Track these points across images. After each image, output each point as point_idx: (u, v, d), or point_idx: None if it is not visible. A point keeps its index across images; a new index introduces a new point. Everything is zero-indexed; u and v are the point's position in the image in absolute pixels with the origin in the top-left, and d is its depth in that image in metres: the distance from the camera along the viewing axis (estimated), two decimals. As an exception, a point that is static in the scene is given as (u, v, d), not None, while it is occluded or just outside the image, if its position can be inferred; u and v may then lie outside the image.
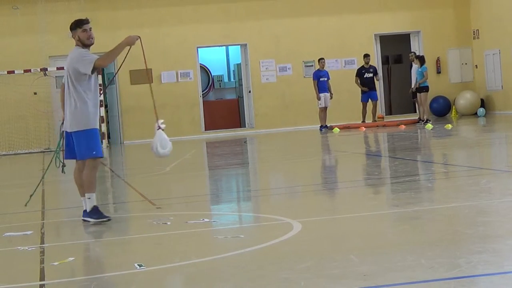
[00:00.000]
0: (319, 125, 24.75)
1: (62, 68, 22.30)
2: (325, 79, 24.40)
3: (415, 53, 25.63)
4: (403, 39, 28.05)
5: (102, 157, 8.51)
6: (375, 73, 25.19)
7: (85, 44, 8.49)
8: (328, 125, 24.52)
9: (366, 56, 25.19)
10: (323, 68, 24.57)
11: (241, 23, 26.76)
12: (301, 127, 26.63)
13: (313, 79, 24.53)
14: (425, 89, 23.96)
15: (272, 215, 8.09)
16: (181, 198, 10.75)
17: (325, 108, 24.49)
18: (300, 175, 12.81)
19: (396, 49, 29.08)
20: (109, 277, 5.85)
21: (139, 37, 8.58)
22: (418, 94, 24.17)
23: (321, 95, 24.32)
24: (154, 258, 6.33)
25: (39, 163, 19.18)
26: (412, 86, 24.48)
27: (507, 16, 25.67)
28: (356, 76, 25.15)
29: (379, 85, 27.17)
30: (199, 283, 5.37)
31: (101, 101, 24.58)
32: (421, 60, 24.27)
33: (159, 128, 9.08)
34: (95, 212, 8.34)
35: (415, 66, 24.39)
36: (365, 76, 25.00)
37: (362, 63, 25.85)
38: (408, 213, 7.75)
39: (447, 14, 27.89)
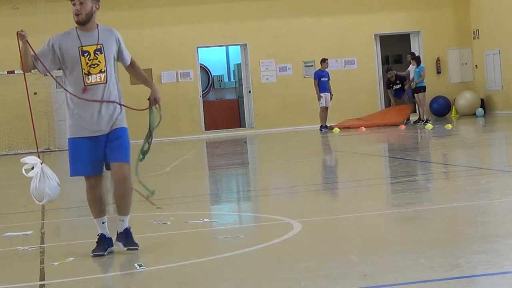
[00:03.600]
0: (319, 125, 24.75)
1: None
2: (326, 79, 24.39)
3: (413, 53, 25.69)
4: (403, 39, 28.06)
5: (92, 176, 6.61)
6: (402, 81, 25.23)
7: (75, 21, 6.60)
8: (328, 125, 24.50)
9: (390, 70, 25.48)
10: (324, 69, 24.53)
11: (241, 23, 26.77)
12: (301, 127, 26.63)
13: (314, 79, 24.52)
14: (422, 89, 24.00)
15: (272, 215, 8.09)
16: (181, 198, 10.76)
17: (326, 108, 24.48)
18: (300, 175, 12.81)
19: (396, 49, 29.09)
20: (109, 277, 5.85)
21: (17, 32, 6.58)
22: (415, 94, 24.21)
23: (322, 95, 24.31)
24: (154, 258, 6.32)
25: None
26: (412, 86, 24.52)
27: (507, 16, 25.67)
28: (388, 89, 25.57)
29: (379, 86, 27.23)
30: (199, 283, 5.37)
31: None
32: (417, 60, 24.31)
33: (33, 167, 6.55)
34: (96, 242, 6.68)
35: (412, 66, 24.46)
36: (394, 88, 25.22)
37: (362, 63, 25.90)
38: (408, 213, 7.75)
39: (447, 14, 27.89)
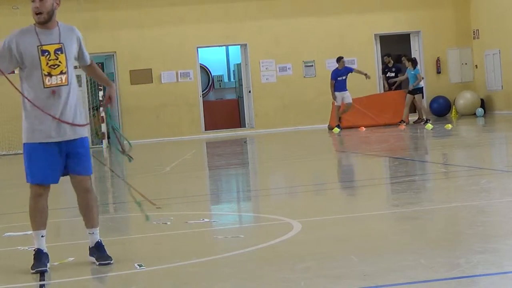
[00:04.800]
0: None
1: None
2: (344, 77, 23.87)
3: (405, 55, 25.55)
4: (403, 39, 28.05)
5: (43, 184, 6.12)
6: (398, 72, 25.14)
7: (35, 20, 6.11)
8: (329, 125, 24.19)
9: (389, 56, 25.36)
10: (341, 67, 24.04)
11: (241, 23, 26.76)
12: (301, 127, 26.62)
13: (331, 79, 24.01)
14: (419, 90, 23.92)
15: (272, 215, 8.09)
16: (181, 198, 10.76)
17: (339, 106, 23.79)
18: (300, 175, 12.81)
19: (396, 49, 29.06)
20: (109, 277, 5.85)
21: None
22: (409, 95, 24.00)
23: (338, 93, 23.77)
24: (154, 258, 6.32)
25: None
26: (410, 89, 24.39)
27: (507, 16, 25.67)
28: (383, 74, 25.58)
29: (379, 85, 27.22)
30: (199, 283, 5.37)
31: (100, 101, 24.62)
32: (414, 62, 24.19)
33: None
34: (34, 258, 6.10)
35: (408, 69, 24.33)
36: (388, 75, 25.13)
37: (362, 63, 25.87)
38: (408, 213, 7.75)
39: (447, 14, 27.89)
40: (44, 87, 6.02)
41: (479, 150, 14.96)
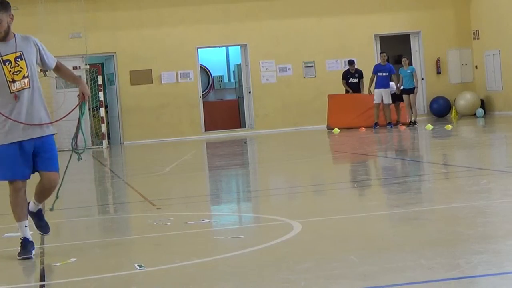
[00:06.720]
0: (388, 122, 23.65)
1: None
2: (385, 74, 23.54)
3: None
4: (403, 40, 28.06)
5: (19, 180, 6.60)
6: (360, 77, 24.75)
7: None
8: (377, 123, 23.51)
9: (353, 63, 24.84)
10: (384, 62, 23.84)
11: (241, 24, 26.78)
12: (301, 127, 26.64)
13: (372, 73, 23.83)
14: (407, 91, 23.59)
15: (272, 216, 8.09)
16: (181, 198, 10.76)
17: (380, 104, 23.42)
18: (299, 176, 12.81)
19: (396, 49, 29.10)
20: (109, 278, 5.85)
21: None
22: (405, 95, 23.60)
23: (377, 90, 23.44)
24: (154, 258, 6.33)
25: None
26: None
27: (507, 16, 25.68)
28: (343, 79, 24.96)
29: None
30: (199, 283, 5.38)
31: (101, 101, 24.63)
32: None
33: None
34: (21, 246, 6.71)
35: (400, 68, 23.95)
36: (350, 81, 24.69)
37: (362, 63, 25.86)
38: (408, 214, 7.75)
39: (447, 14, 27.91)
40: (11, 93, 6.55)
41: (479, 151, 14.96)
